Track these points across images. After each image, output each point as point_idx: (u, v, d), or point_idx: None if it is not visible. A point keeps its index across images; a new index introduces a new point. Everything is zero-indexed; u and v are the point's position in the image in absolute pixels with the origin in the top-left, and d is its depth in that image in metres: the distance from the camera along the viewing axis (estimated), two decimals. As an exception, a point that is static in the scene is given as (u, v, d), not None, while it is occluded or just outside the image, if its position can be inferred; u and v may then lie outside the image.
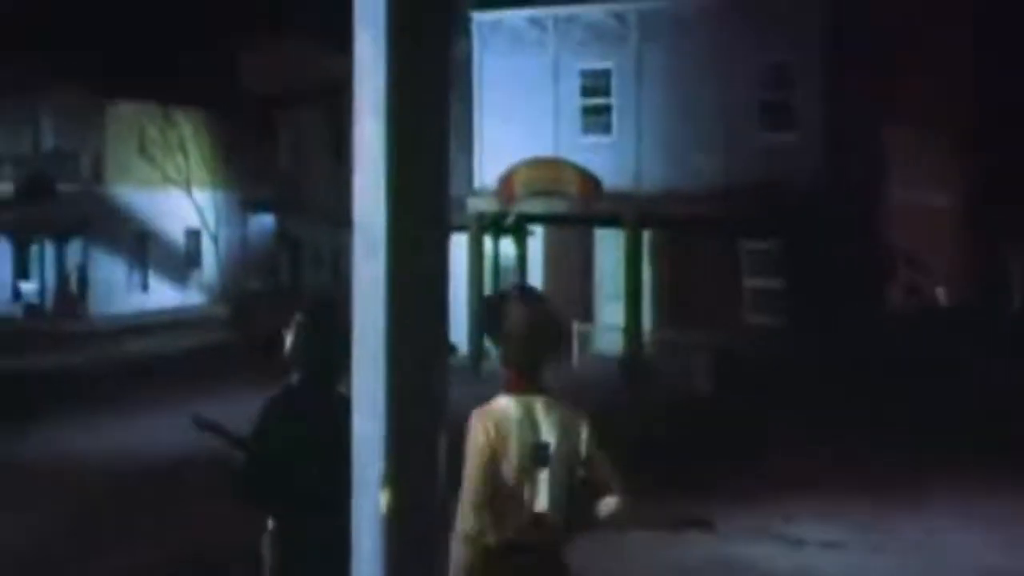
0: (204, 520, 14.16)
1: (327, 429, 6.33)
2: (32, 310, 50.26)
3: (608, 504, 6.31)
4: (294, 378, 7.09)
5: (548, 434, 6.15)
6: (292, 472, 6.82)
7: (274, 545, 7.00)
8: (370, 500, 2.95)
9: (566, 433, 6.25)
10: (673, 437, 23.23)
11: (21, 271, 52.56)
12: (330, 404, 6.77)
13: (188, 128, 52.14)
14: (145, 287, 51.41)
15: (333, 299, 7.19)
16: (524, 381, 6.20)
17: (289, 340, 7.06)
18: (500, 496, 5.93)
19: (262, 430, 6.97)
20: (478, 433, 5.95)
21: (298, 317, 7.08)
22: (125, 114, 51.09)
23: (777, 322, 30.77)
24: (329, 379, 6.97)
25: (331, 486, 5.69)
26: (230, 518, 12.60)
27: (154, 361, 34.33)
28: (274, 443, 6.87)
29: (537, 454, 6.02)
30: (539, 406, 6.21)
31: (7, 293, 52.33)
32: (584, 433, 6.39)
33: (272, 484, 6.89)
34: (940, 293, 34.65)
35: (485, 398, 6.19)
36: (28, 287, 51.67)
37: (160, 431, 21.03)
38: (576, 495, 6.23)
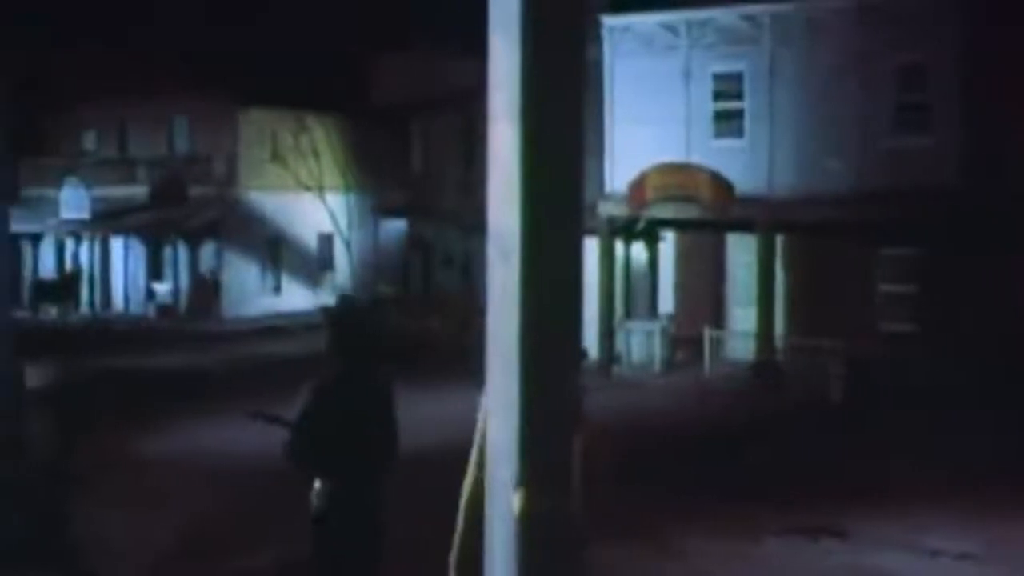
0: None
1: (361, 409, 8.60)
2: (165, 310, 51.05)
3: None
4: (333, 367, 8.70)
5: None
6: (332, 443, 8.59)
7: (319, 499, 8.76)
8: (504, 502, 2.98)
9: None
10: (805, 445, 23.02)
11: (155, 272, 53.41)
12: (363, 389, 8.67)
13: (321, 133, 52.60)
14: (277, 289, 51.97)
15: (354, 300, 9.60)
16: None
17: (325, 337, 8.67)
18: None
19: (308, 410, 8.66)
20: None
21: (322, 318, 8.75)
22: (258, 119, 51.69)
23: (911, 329, 30.33)
24: (363, 369, 8.70)
25: (363, 455, 8.58)
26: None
27: (285, 362, 34.72)
28: (317, 420, 8.59)
29: None
30: None
31: (141, 294, 53.21)
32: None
33: (316, 453, 8.64)
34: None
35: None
36: (161, 288, 52.47)
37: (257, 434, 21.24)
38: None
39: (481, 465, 6.78)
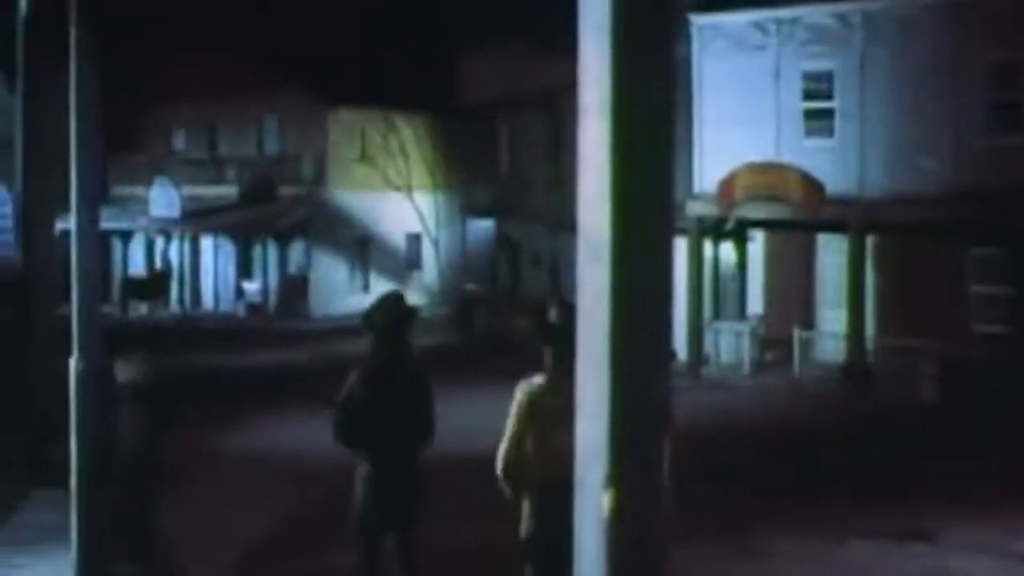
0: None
1: (398, 395, 9.66)
2: (254, 309, 51.48)
3: None
4: (375, 357, 9.79)
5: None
6: (372, 426, 9.61)
7: (360, 475, 9.79)
8: (593, 502, 2.96)
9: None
10: (895, 446, 22.82)
11: (244, 271, 53.88)
12: (401, 377, 9.74)
13: (409, 133, 52.84)
14: (366, 288, 52.24)
15: (394, 297, 10.18)
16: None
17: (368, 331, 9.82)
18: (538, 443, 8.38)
19: (351, 394, 9.73)
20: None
21: (368, 317, 9.85)
22: (347, 119, 52.01)
23: (1004, 331, 29.96)
24: (401, 359, 9.77)
25: (399, 437, 9.66)
26: (442, 516, 12.74)
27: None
28: (359, 406, 9.65)
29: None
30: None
31: (230, 292, 53.71)
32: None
33: (357, 434, 9.68)
34: None
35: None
36: (251, 287, 52.93)
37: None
38: None
39: (517, 437, 8.40)
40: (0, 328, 19.75)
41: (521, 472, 8.45)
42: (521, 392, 8.49)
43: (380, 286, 51.64)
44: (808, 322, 33.71)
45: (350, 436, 9.75)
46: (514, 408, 8.47)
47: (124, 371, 13.32)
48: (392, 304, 9.99)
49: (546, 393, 8.33)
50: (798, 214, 32.04)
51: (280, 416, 24.51)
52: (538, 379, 8.49)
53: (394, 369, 9.78)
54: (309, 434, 22.24)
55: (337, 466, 16.85)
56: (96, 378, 12.83)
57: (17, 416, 18.56)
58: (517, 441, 8.45)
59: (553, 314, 8.62)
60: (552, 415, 7.97)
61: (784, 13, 33.84)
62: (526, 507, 8.57)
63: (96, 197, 13.41)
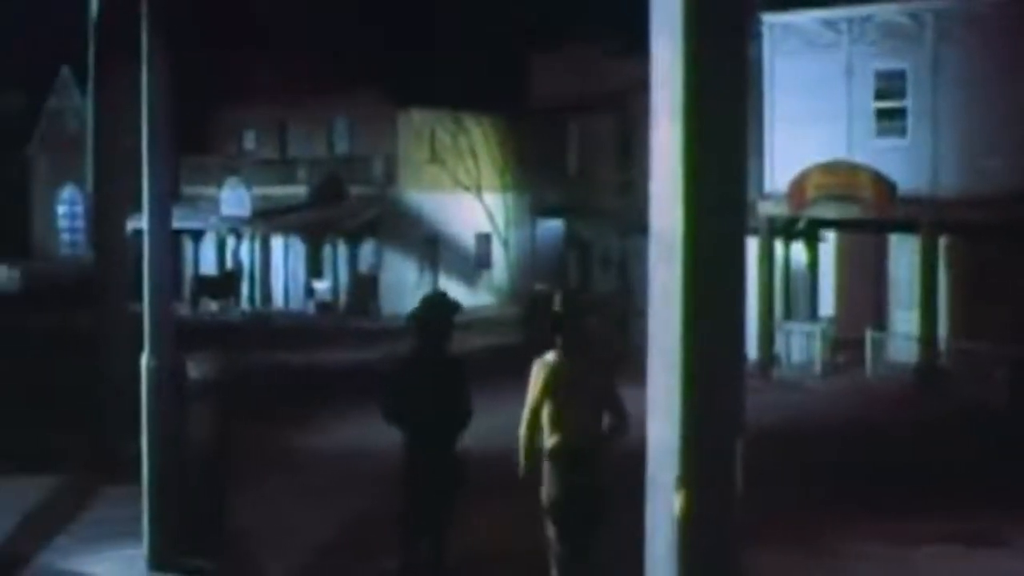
0: (483, 519, 14.31)
1: (437, 379, 10.66)
2: (324, 307, 51.70)
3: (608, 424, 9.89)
4: (418, 346, 10.91)
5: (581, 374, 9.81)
6: (414, 405, 10.62)
7: (404, 449, 10.85)
8: (664, 503, 2.95)
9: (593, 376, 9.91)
10: (968, 450, 22.61)
11: (314, 270, 54.11)
12: (440, 365, 10.76)
13: (479, 133, 52.89)
14: (435, 288, 52.35)
15: (438, 296, 11.36)
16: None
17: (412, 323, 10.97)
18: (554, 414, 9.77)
19: (396, 379, 10.98)
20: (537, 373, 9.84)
21: (412, 312, 11.02)
22: (417, 120, 52.12)
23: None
24: (440, 348, 10.80)
25: (438, 418, 10.62)
26: (505, 517, 12.74)
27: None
28: (404, 387, 10.78)
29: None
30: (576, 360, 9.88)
31: (300, 291, 53.97)
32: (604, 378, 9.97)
33: (401, 413, 10.72)
34: None
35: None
36: (321, 286, 53.15)
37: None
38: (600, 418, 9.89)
39: (534, 407, 9.75)
40: (73, 326, 19.91)
41: (533, 439, 9.81)
42: (537, 368, 9.83)
43: (449, 286, 51.79)
44: (880, 323, 33.45)
45: (394, 415, 10.85)
46: (532, 382, 9.83)
47: (195, 368, 13.41)
48: (432, 302, 11.10)
49: (558, 369, 9.75)
50: (869, 214, 31.81)
51: (350, 413, 24.56)
52: (551, 357, 9.85)
53: (434, 358, 10.86)
54: (378, 432, 22.31)
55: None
56: (168, 375, 12.93)
57: (89, 412, 18.73)
58: (534, 411, 9.80)
59: (559, 305, 10.07)
60: (562, 388, 9.68)
61: (855, 12, 33.59)
62: (545, 474, 9.78)
63: (168, 197, 13.50)
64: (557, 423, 9.69)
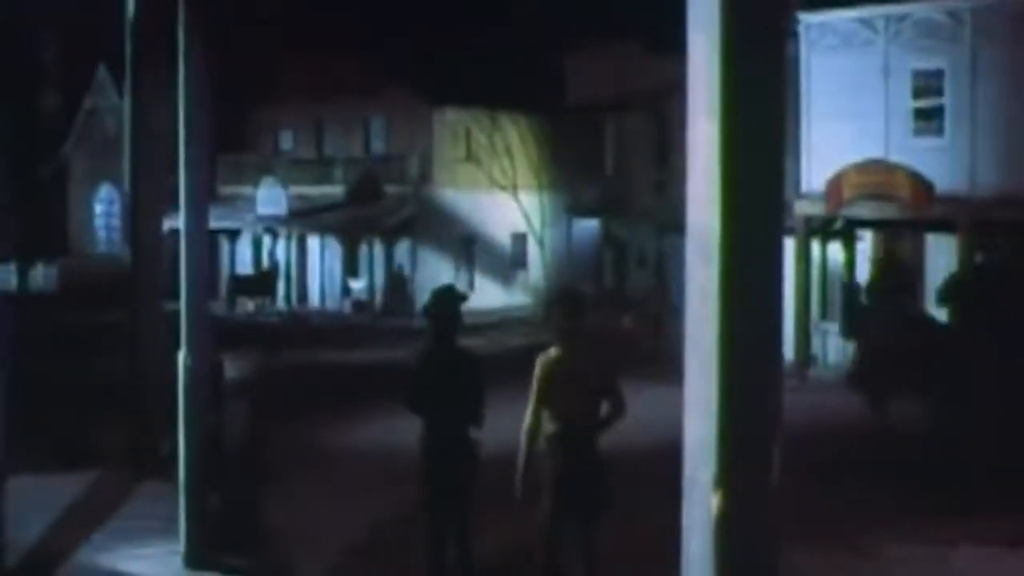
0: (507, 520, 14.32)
1: (451, 370, 11.33)
2: (360, 306, 51.79)
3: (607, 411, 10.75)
4: (435, 341, 11.51)
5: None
6: (431, 396, 11.31)
7: (421, 439, 11.39)
8: (701, 503, 2.94)
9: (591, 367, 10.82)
10: (1007, 452, 22.46)
11: (350, 269, 54.23)
12: (453, 355, 11.47)
13: (514, 132, 52.90)
14: (471, 287, 52.38)
15: (449, 290, 11.85)
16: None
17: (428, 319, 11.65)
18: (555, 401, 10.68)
19: (416, 369, 11.58)
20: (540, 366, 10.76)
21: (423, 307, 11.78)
22: (453, 119, 52.19)
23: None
24: (449, 338, 11.42)
25: (453, 407, 11.26)
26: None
27: (481, 358, 34.86)
28: (422, 377, 11.46)
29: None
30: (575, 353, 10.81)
31: (337, 290, 54.10)
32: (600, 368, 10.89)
33: (420, 402, 11.40)
34: None
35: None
36: (357, 285, 53.27)
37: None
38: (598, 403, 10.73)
39: (538, 401, 10.67)
40: (109, 324, 19.98)
41: (536, 432, 10.69)
42: (540, 363, 10.77)
43: (485, 285, 51.86)
44: (917, 323, 33.30)
45: (414, 405, 11.47)
46: (536, 375, 10.72)
47: (232, 367, 13.45)
48: (439, 295, 11.69)
49: (558, 362, 10.70)
50: (906, 214, 31.69)
51: (383, 412, 24.58)
52: (553, 352, 10.78)
53: (447, 350, 11.50)
54: (411, 431, 22.34)
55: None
56: (205, 373, 12.98)
57: (126, 410, 18.81)
58: (537, 406, 10.70)
59: (560, 304, 11.28)
60: (563, 379, 10.60)
61: (893, 10, 33.46)
62: (548, 456, 10.66)
63: (204, 196, 13.56)
64: (559, 410, 10.63)
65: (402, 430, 18.52)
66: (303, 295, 54.76)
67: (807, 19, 34.81)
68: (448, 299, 11.63)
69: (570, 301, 11.27)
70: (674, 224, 34.34)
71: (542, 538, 10.68)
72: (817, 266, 34.53)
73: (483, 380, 11.50)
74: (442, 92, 50.85)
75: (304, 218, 53.56)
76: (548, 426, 10.67)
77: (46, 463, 17.73)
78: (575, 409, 10.64)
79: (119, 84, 32.73)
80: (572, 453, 10.55)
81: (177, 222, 13.26)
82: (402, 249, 52.20)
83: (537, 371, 10.74)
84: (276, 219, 54.11)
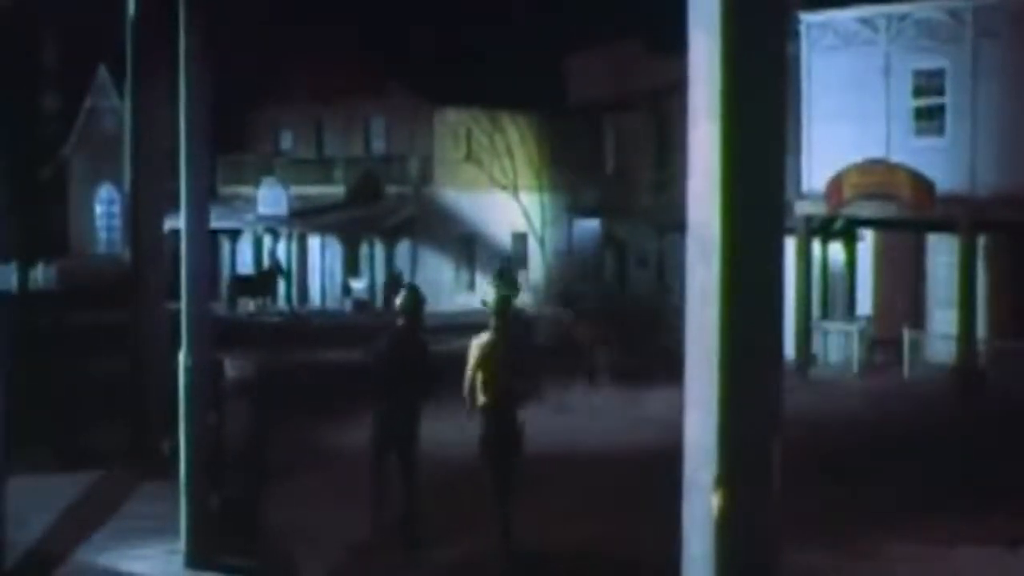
0: (527, 518, 14.31)
1: (411, 352, 14.03)
2: (361, 306, 51.77)
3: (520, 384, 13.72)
4: (393, 326, 14.42)
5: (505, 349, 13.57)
6: (392, 373, 13.91)
7: (381, 408, 14.08)
8: (701, 503, 2.93)
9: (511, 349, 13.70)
10: (1007, 451, 22.46)
11: (351, 269, 54.22)
12: (414, 338, 14.23)
13: (515, 132, 52.89)
14: (471, 287, 52.36)
15: (399, 274, 19.82)
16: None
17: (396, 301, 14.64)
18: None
19: (379, 350, 14.27)
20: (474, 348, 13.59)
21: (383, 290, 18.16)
22: (453, 119, 52.19)
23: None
24: (414, 325, 14.25)
25: (407, 384, 13.87)
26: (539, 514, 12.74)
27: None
28: (385, 357, 14.10)
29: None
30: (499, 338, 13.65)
31: (337, 290, 54.08)
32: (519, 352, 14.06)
33: (382, 379, 14.03)
34: None
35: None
36: (358, 284, 53.26)
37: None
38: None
39: (472, 374, 13.53)
40: (110, 324, 19.96)
41: (474, 395, 13.51)
42: (473, 346, 13.62)
43: (486, 284, 51.79)
44: (918, 322, 33.30)
45: (375, 377, 14.21)
46: (471, 354, 13.55)
47: (232, 367, 13.46)
48: (407, 292, 14.57)
49: (488, 346, 13.49)
50: (907, 213, 31.66)
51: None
52: (485, 336, 13.62)
53: (408, 337, 14.23)
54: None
55: (442, 461, 16.96)
56: (205, 373, 12.98)
57: (127, 410, 18.81)
58: (473, 377, 13.50)
59: (491, 298, 14.06)
60: (491, 360, 13.41)
61: (894, 9, 33.43)
62: (480, 422, 13.53)
63: (205, 196, 13.56)
64: (487, 386, 13.43)
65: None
66: (304, 295, 54.77)
67: (808, 18, 34.79)
68: (413, 298, 14.40)
69: (501, 301, 13.96)
70: (675, 224, 34.35)
71: (486, 474, 13.57)
72: (818, 266, 34.49)
73: (435, 365, 14.31)
74: (443, 92, 50.85)
75: (305, 218, 53.56)
76: (480, 397, 13.46)
77: (46, 463, 17.73)
78: (499, 385, 13.39)
79: (120, 84, 32.73)
80: (495, 420, 13.40)
81: (178, 222, 13.26)
82: (403, 249, 52.19)
83: (472, 351, 13.58)
84: (277, 219, 54.10)
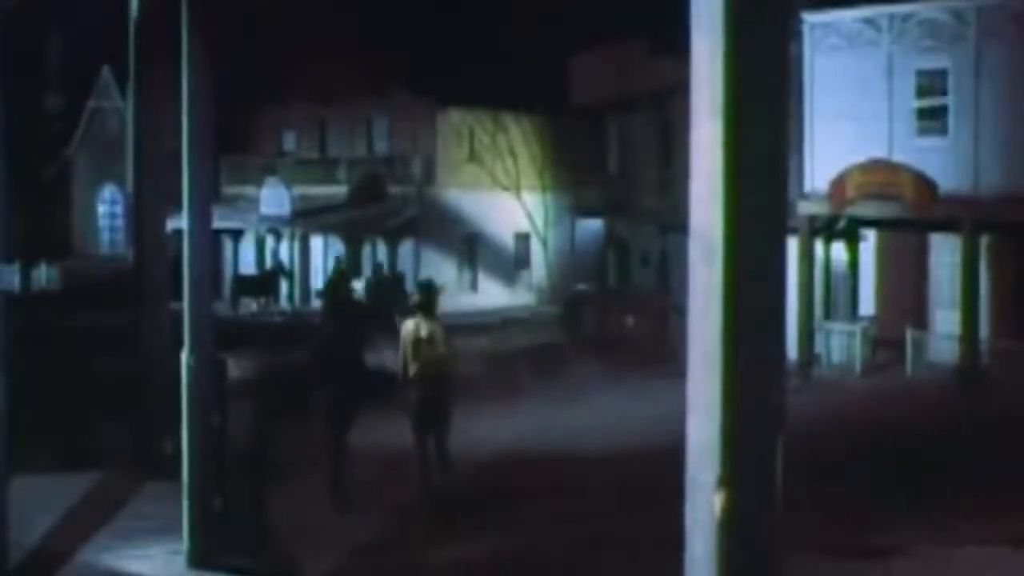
0: (532, 519, 14.33)
1: (350, 350, 16.84)
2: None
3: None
4: (330, 324, 17.38)
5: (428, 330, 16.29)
6: (334, 367, 16.28)
7: (329, 394, 16.31)
8: (704, 503, 2.93)
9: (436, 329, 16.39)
10: (1010, 451, 22.46)
11: (354, 270, 54.21)
12: (347, 339, 16.96)
13: (517, 133, 52.90)
14: (474, 287, 52.39)
15: (343, 275, 20.39)
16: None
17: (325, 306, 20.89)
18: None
19: (317, 347, 17.15)
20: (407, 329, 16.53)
21: (323, 292, 19.80)
22: (456, 119, 52.20)
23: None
24: (349, 326, 17.24)
25: (350, 376, 16.62)
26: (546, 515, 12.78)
27: (479, 357, 34.90)
28: (328, 354, 16.63)
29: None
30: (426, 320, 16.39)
31: (339, 290, 54.03)
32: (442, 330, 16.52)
33: (324, 374, 16.30)
34: None
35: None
36: (360, 285, 53.24)
37: (489, 428, 21.35)
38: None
39: (404, 353, 16.37)
40: (113, 324, 19.96)
41: (408, 368, 16.17)
42: (404, 327, 16.53)
43: (488, 285, 51.88)
44: (921, 323, 33.29)
45: (321, 374, 16.55)
46: (402, 336, 16.50)
47: (235, 367, 13.47)
48: (345, 288, 18.28)
49: (415, 328, 16.29)
50: (910, 213, 31.66)
51: (383, 411, 24.59)
52: (414, 320, 16.45)
53: (343, 334, 17.10)
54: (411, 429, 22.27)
55: (444, 463, 16.97)
56: (208, 373, 12.99)
57: (130, 410, 18.82)
58: (405, 355, 16.27)
59: (418, 290, 16.99)
60: (420, 340, 16.14)
61: (897, 9, 33.42)
62: (411, 392, 16.13)
63: (207, 196, 13.57)
64: (417, 360, 16.13)
65: (403, 430, 18.61)
66: (306, 295, 54.74)
67: (811, 19, 34.79)
68: (381, 287, 17.63)
69: (425, 290, 16.90)
70: (677, 224, 34.32)
71: (413, 440, 16.25)
72: (820, 266, 34.48)
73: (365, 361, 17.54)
74: (445, 92, 50.85)
75: (308, 218, 53.56)
76: (411, 369, 16.13)
77: (49, 463, 17.74)
78: (426, 360, 16.10)
79: (123, 85, 32.78)
80: (424, 388, 16.04)
81: (181, 222, 13.26)
82: (405, 249, 52.20)
83: (403, 334, 16.46)
84: (280, 219, 54.10)
